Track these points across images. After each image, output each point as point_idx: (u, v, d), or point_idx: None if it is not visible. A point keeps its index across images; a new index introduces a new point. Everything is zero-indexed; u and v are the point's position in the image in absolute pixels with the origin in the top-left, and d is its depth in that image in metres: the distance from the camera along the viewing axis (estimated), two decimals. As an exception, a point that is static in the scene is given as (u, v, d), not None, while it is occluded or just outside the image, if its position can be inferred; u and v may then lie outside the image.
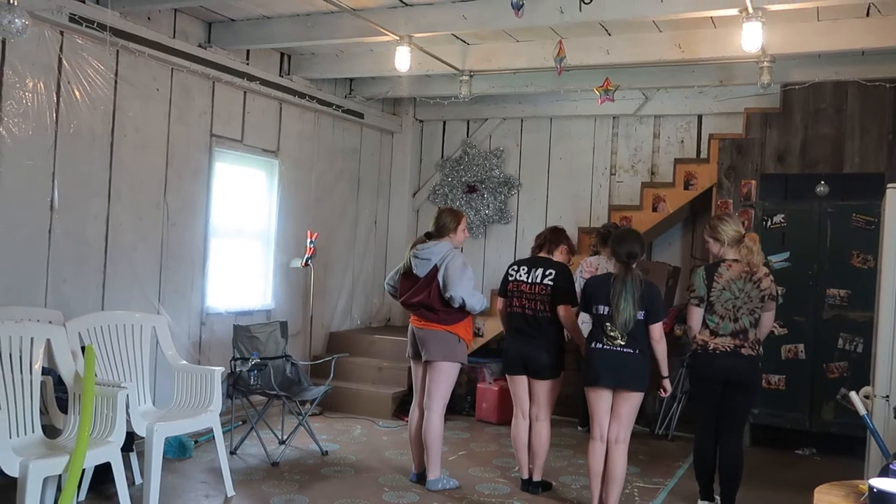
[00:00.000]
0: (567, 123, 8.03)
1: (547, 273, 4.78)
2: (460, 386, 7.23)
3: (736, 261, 4.45)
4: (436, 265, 4.77)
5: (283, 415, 5.96)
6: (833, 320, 6.06)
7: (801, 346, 6.13)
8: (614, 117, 7.80)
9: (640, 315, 4.30)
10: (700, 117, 7.52)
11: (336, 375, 6.08)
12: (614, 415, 4.39)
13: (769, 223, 6.27)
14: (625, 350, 4.30)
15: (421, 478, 4.96)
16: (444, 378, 4.82)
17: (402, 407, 6.87)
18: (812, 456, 6.12)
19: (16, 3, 3.94)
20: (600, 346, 4.35)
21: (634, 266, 4.36)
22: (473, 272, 4.95)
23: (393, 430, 6.46)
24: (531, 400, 4.87)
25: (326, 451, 5.63)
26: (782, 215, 6.26)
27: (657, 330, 4.35)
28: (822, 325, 6.08)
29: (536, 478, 4.93)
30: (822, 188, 6.32)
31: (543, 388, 4.82)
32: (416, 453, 4.99)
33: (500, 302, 5.02)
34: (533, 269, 4.85)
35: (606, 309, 4.33)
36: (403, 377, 7.10)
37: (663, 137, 7.69)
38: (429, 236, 4.95)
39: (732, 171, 6.62)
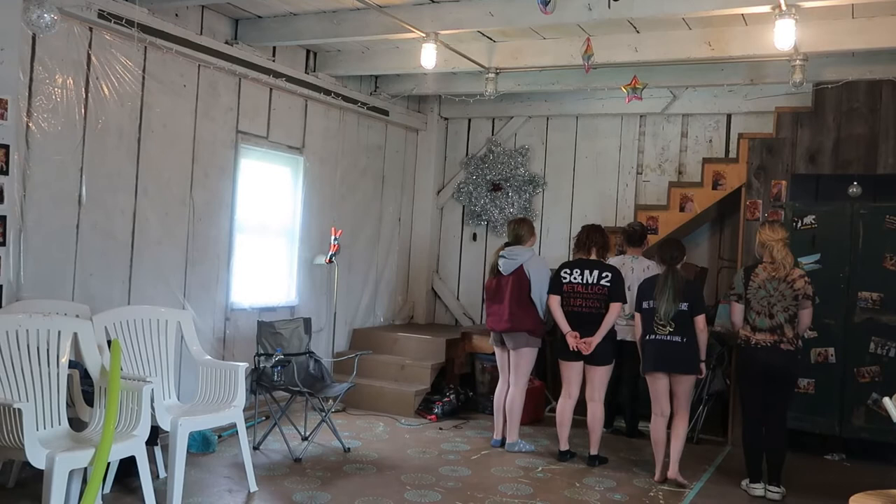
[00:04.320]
0: (593, 122, 7.96)
1: (603, 275, 5.53)
2: (484, 385, 7.23)
3: (771, 263, 4.95)
4: (522, 264, 5.70)
5: (305, 411, 5.97)
6: (865, 324, 5.93)
7: (831, 350, 6.01)
8: (641, 116, 7.72)
9: (684, 306, 5.07)
10: (729, 116, 7.41)
11: (359, 372, 6.09)
12: (673, 394, 5.20)
13: (800, 224, 6.15)
14: (672, 339, 5.08)
15: (502, 443, 5.89)
16: (526, 361, 5.82)
17: (424, 404, 6.86)
18: (841, 462, 6.01)
19: (46, -1, 3.99)
20: (652, 336, 5.15)
21: (678, 266, 5.18)
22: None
23: (415, 427, 6.44)
24: (587, 383, 5.59)
25: (349, 448, 5.63)
26: (813, 216, 6.14)
27: (701, 321, 5.12)
28: (854, 328, 5.96)
29: (594, 452, 5.58)
30: (854, 189, 6.20)
31: (599, 373, 5.56)
32: (500, 422, 5.93)
33: (552, 299, 5.63)
34: (587, 272, 5.56)
35: (653, 303, 5.14)
36: (426, 375, 7.09)
37: (691, 136, 7.60)
38: (508, 244, 5.89)
39: (762, 171, 6.51)
